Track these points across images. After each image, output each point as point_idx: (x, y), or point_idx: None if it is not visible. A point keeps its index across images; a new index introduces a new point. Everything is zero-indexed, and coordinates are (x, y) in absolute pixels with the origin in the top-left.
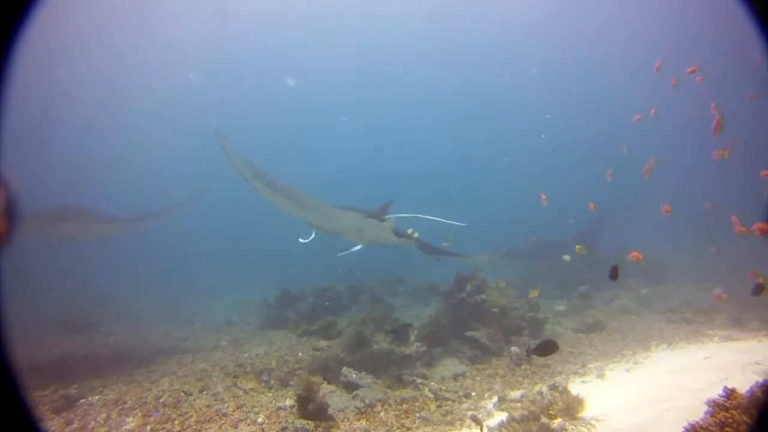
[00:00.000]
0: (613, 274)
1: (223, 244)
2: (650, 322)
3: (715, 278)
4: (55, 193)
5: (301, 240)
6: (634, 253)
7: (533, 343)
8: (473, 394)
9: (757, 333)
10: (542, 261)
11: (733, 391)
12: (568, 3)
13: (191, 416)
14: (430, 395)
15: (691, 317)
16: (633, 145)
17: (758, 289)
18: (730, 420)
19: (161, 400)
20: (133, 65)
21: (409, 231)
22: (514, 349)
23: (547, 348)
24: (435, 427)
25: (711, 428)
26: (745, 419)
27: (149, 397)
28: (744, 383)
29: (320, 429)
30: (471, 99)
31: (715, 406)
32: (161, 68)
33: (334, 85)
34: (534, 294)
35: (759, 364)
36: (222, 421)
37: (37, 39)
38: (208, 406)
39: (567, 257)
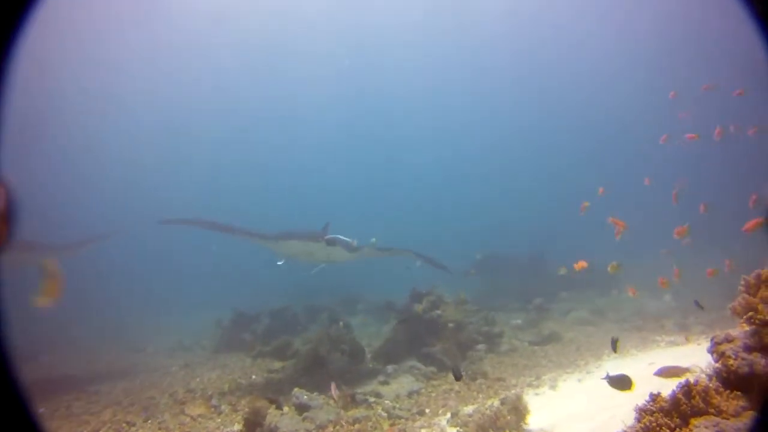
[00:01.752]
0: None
1: (178, 266)
2: (605, 331)
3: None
4: (53, 194)
5: (278, 263)
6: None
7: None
8: (427, 411)
9: (698, 337)
10: (497, 275)
11: (657, 395)
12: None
13: None
14: (384, 414)
15: (642, 325)
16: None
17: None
18: (653, 423)
19: None
20: (133, 67)
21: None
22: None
23: (622, 383)
24: None
25: None
26: (667, 421)
27: None
28: None
29: None
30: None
31: (641, 412)
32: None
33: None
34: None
35: (699, 366)
36: None
37: (36, 40)
38: None
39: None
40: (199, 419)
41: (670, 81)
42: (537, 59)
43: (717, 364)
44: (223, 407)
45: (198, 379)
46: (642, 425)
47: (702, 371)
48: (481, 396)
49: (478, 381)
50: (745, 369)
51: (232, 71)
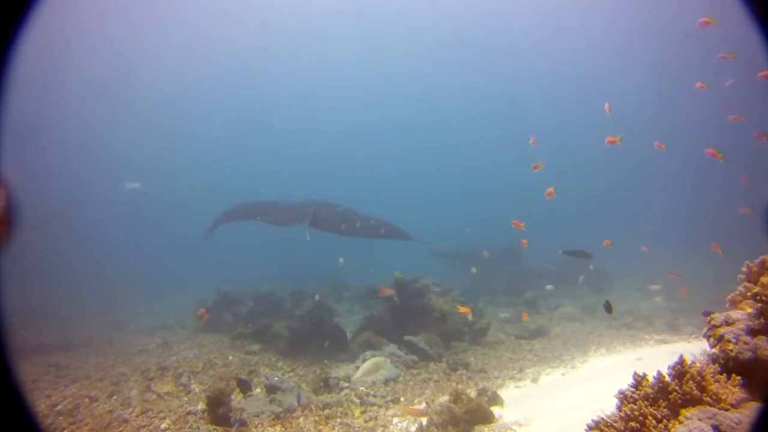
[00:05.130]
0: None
1: (172, 247)
2: (592, 328)
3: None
4: (53, 194)
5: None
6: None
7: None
8: (402, 399)
9: (689, 336)
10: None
11: (642, 378)
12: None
13: (86, 424)
14: (356, 400)
15: (631, 323)
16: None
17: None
18: (635, 413)
19: (57, 408)
20: (134, 66)
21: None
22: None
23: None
24: None
25: (616, 424)
26: (652, 411)
27: (43, 406)
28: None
29: None
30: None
31: (623, 399)
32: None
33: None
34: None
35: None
36: (120, 429)
37: (37, 39)
38: (110, 411)
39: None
40: (166, 397)
41: (672, 84)
42: (538, 58)
43: (713, 350)
44: (193, 386)
45: (174, 358)
46: (622, 414)
47: (695, 358)
48: (460, 387)
49: (459, 372)
50: (748, 354)
51: (234, 68)
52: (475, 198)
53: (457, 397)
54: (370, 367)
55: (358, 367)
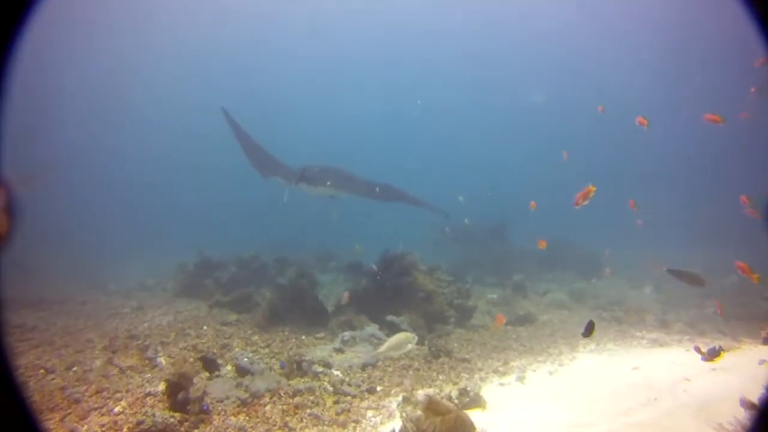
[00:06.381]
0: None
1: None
2: (581, 318)
3: (646, 276)
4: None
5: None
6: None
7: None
8: (379, 389)
9: (681, 337)
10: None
11: None
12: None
13: (31, 402)
14: (329, 388)
15: (622, 316)
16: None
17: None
18: None
19: None
20: (134, 66)
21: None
22: None
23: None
24: (323, 428)
25: None
26: None
27: None
28: (672, 405)
29: (187, 424)
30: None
31: None
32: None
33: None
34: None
35: (688, 380)
36: (69, 410)
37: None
38: (62, 389)
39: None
40: (128, 371)
41: (673, 81)
42: (548, 50)
43: None
44: (159, 359)
45: (146, 324)
46: None
47: (740, 425)
48: (441, 377)
49: (441, 359)
50: None
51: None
52: (468, 173)
53: (433, 405)
54: (398, 342)
55: (335, 348)
